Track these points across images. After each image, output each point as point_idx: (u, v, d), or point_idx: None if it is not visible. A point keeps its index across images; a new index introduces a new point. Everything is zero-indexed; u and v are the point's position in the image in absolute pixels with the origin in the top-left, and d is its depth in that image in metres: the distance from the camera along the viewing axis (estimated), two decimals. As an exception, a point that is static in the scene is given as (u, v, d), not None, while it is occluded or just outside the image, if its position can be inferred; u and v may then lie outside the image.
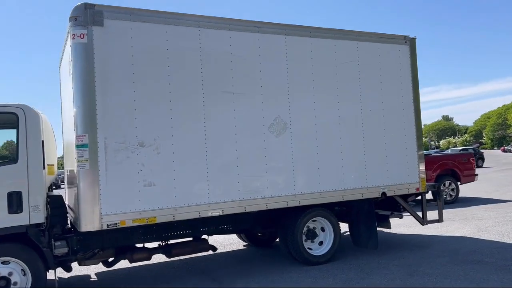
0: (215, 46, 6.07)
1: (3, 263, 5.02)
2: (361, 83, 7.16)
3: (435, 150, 43.15)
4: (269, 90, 6.40)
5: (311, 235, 6.94)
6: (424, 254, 7.13)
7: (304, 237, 6.86)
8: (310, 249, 6.90)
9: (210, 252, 6.87)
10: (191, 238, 6.61)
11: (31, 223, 5.13)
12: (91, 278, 6.89)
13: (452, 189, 13.84)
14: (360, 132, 7.09)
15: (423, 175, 7.61)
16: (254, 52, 6.33)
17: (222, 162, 6.02)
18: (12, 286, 5.04)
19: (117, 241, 5.91)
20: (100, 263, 6.25)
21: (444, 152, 19.30)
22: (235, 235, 8.73)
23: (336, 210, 7.44)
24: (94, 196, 5.25)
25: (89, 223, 5.24)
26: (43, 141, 5.29)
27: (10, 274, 5.03)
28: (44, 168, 5.27)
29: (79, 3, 5.33)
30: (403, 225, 9.54)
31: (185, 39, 5.87)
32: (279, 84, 6.48)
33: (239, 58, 6.22)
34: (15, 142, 5.16)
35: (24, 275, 5.10)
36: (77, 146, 5.26)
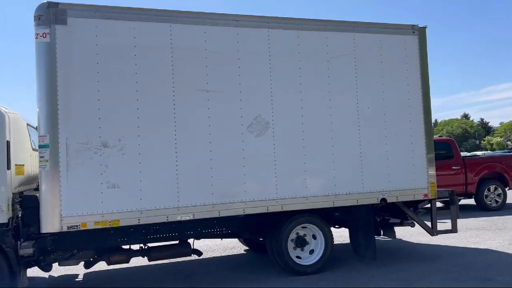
0: (188, 42, 5.78)
1: (-32, 261, 5.09)
2: (358, 79, 6.54)
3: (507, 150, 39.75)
4: (249, 88, 6.01)
5: (301, 242, 6.45)
6: (430, 267, 6.38)
7: (292, 245, 6.39)
8: (300, 257, 6.42)
9: (210, 255, 6.63)
10: (176, 242, 6.39)
11: (-6, 221, 5.15)
12: (77, 278, 6.89)
13: (498, 195, 12.53)
14: (356, 132, 6.48)
15: (433, 180, 6.82)
16: (232, 48, 5.96)
17: (194, 164, 5.72)
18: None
19: (96, 242, 5.80)
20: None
21: (492, 154, 17.59)
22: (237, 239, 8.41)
23: (336, 216, 6.90)
24: (55, 197, 5.17)
25: (49, 224, 5.17)
26: (8, 141, 5.29)
27: (-27, 272, 5.09)
28: (8, 168, 5.27)
29: (42, 2, 5.27)
30: (423, 233, 8.69)
31: (154, 36, 5.64)
32: (260, 81, 6.07)
33: (215, 54, 5.88)
34: (-21, 142, 5.21)
35: (-8, 270, 5.13)
36: (39, 147, 5.21)
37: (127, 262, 6.25)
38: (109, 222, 5.36)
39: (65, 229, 5.20)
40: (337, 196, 6.33)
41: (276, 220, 6.32)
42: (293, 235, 6.41)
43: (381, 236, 7.36)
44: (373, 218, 6.70)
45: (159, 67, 5.64)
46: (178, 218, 5.64)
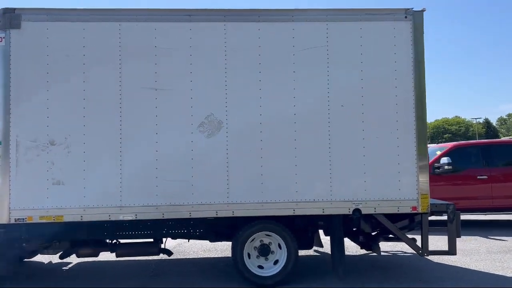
0: (137, 40, 5.70)
1: None
2: (330, 74, 5.82)
3: None
4: (201, 85, 5.72)
5: (265, 251, 5.98)
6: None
7: (255, 253, 5.98)
8: (262, 267, 5.97)
9: (209, 255, 6.58)
10: (151, 240, 6.41)
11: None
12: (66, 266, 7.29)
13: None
14: (325, 132, 5.78)
15: (425, 191, 5.79)
16: (184, 44, 5.73)
17: (139, 164, 5.64)
18: None
19: (66, 235, 6.07)
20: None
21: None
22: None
23: (321, 225, 6.33)
24: (5, 191, 5.53)
25: (3, 215, 5.54)
26: (-22, 138, 5.79)
27: None
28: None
29: (2, 8, 5.64)
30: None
31: (103, 35, 5.68)
32: (214, 78, 5.74)
33: (165, 51, 5.72)
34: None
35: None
36: (-4, 143, 5.62)
37: (96, 256, 6.44)
38: (53, 217, 5.56)
39: (12, 221, 5.53)
40: (298, 204, 5.73)
41: (237, 225, 5.97)
42: (256, 243, 5.99)
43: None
44: (342, 231, 5.92)
45: (106, 66, 5.66)
46: (121, 218, 5.63)
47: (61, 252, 6.38)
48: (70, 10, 5.72)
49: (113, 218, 5.62)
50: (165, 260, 7.47)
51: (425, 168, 5.82)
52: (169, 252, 6.57)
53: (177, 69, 5.72)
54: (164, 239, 6.51)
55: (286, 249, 5.89)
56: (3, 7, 5.61)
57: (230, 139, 5.71)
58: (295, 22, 5.84)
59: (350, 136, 5.81)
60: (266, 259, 6.00)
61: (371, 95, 5.84)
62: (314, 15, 5.88)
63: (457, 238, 5.91)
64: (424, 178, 5.80)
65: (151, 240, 6.35)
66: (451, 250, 5.88)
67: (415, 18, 5.91)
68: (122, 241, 6.37)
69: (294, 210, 5.74)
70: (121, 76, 5.67)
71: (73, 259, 7.35)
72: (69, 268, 7.21)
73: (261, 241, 6.00)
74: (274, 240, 5.99)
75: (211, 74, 5.74)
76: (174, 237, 6.47)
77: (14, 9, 5.64)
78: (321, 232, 6.79)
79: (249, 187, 5.71)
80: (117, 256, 6.42)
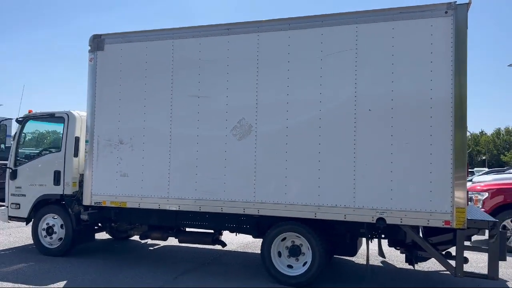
0: (186, 54, 6.54)
1: (53, 218, 7.53)
2: (357, 77, 5.69)
3: None
4: (235, 92, 6.25)
5: (294, 252, 6.16)
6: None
7: (286, 253, 6.21)
8: (291, 267, 6.17)
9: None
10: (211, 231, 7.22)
11: (64, 193, 7.40)
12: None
13: None
14: (351, 137, 5.67)
15: (462, 204, 5.18)
16: (222, 55, 6.34)
17: (183, 161, 6.48)
18: (54, 232, 7.46)
19: (143, 219, 7.34)
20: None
21: None
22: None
23: (362, 232, 6.21)
24: (89, 180, 7.01)
25: (86, 198, 7.04)
26: (77, 137, 7.45)
27: (53, 225, 7.48)
28: (76, 156, 7.43)
29: (92, 34, 7.14)
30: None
31: (160, 51, 6.68)
32: (247, 85, 6.19)
33: (207, 63, 6.42)
34: (61, 137, 7.56)
35: (62, 227, 7.43)
36: (85, 142, 7.14)
37: (165, 239, 7.52)
38: (119, 203, 6.81)
39: (93, 203, 6.97)
40: (320, 208, 5.77)
41: (272, 224, 6.29)
42: (288, 243, 6.22)
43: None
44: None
45: (162, 78, 6.65)
46: (167, 207, 6.55)
47: (141, 234, 7.68)
48: (134, 32, 6.89)
49: (161, 208, 6.57)
50: (235, 251, 8.18)
51: (462, 179, 5.21)
52: (223, 243, 7.23)
53: (216, 78, 6.36)
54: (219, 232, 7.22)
55: (311, 252, 5.97)
56: (93, 34, 7.10)
57: (259, 142, 6.09)
58: (324, 27, 5.89)
59: (377, 142, 5.58)
60: (297, 259, 6.17)
61: (401, 98, 5.51)
62: (343, 18, 5.83)
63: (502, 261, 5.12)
64: (461, 191, 5.20)
65: (211, 231, 7.12)
66: (492, 274, 5.11)
67: (458, 12, 5.33)
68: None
69: (315, 214, 5.80)
70: (172, 86, 6.59)
71: (161, 242, 8.65)
72: (154, 248, 8.52)
73: (292, 241, 6.20)
74: (304, 242, 6.12)
75: (244, 82, 6.21)
76: (225, 230, 7.10)
77: (100, 35, 7.09)
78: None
79: (274, 188, 6.00)
80: (179, 242, 7.39)
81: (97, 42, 7.07)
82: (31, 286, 5.67)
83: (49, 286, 5.70)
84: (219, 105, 6.32)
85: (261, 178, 6.07)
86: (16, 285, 5.72)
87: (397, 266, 7.25)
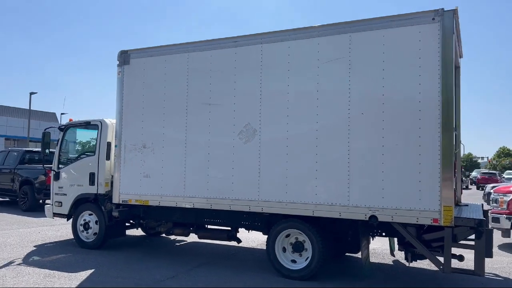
0: (199, 65, 7.17)
1: (89, 214, 8.43)
2: (351, 83, 6.04)
3: None
4: (241, 99, 6.79)
5: (297, 248, 6.58)
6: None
7: (290, 248, 6.65)
8: (295, 261, 6.60)
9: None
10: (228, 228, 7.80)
11: (98, 192, 8.28)
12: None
13: None
14: (345, 139, 6.02)
15: (449, 203, 5.38)
16: (230, 65, 6.91)
17: (197, 163, 7.10)
18: (90, 227, 8.36)
19: (168, 216, 8.07)
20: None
21: None
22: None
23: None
24: (117, 181, 7.82)
25: (115, 197, 7.85)
26: (109, 142, 8.31)
27: (89, 221, 8.38)
28: (108, 159, 8.28)
29: (119, 50, 7.97)
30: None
31: (177, 63, 7.36)
32: (251, 92, 6.71)
33: (217, 73, 7.01)
34: (96, 142, 8.47)
35: (97, 223, 8.31)
36: (115, 146, 7.97)
37: (187, 235, 8.20)
38: (143, 201, 7.56)
39: (120, 201, 7.77)
40: (317, 206, 6.15)
41: (276, 221, 6.76)
42: (292, 239, 6.66)
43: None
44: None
45: (179, 87, 7.32)
46: (183, 205, 7.19)
47: (166, 230, 8.41)
48: (155, 47, 7.63)
49: (178, 205, 7.23)
50: (253, 249, 8.68)
51: (450, 179, 5.41)
52: (238, 240, 7.76)
53: (224, 87, 6.93)
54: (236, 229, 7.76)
55: (311, 248, 6.37)
56: (120, 50, 7.92)
57: (263, 145, 6.59)
58: (320, 37, 6.30)
59: (369, 144, 5.89)
60: (300, 255, 6.59)
61: (392, 102, 5.80)
62: (337, 28, 6.20)
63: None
64: (448, 190, 5.40)
65: (229, 228, 7.69)
66: (478, 271, 5.26)
67: (445, 19, 5.56)
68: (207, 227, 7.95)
69: (313, 211, 6.20)
70: (188, 95, 7.25)
71: (187, 239, 9.35)
72: (181, 244, 9.22)
73: (296, 238, 6.63)
74: (306, 238, 6.53)
75: (249, 90, 6.73)
76: (240, 227, 7.61)
77: (127, 51, 7.90)
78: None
79: (276, 187, 6.46)
80: (199, 238, 8.02)
81: (124, 57, 7.88)
82: (63, 273, 6.49)
83: (78, 273, 6.50)
84: (227, 112, 6.88)
85: (264, 178, 6.55)
86: (51, 271, 6.58)
87: (407, 265, 7.44)
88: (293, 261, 6.61)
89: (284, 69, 6.50)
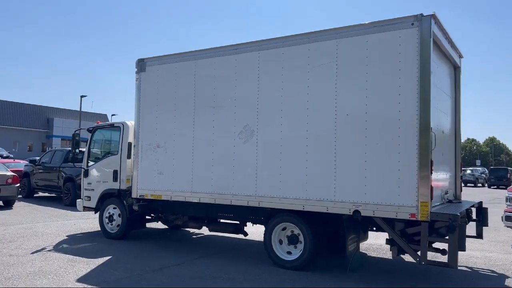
0: (204, 71, 7.81)
1: (113, 208, 9.30)
2: (337, 86, 6.44)
3: None
4: (241, 102, 7.35)
5: (292, 240, 7.05)
6: None
7: (286, 240, 7.13)
8: (290, 253, 7.07)
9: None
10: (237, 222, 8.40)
11: (120, 188, 9.12)
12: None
13: None
14: (331, 140, 6.43)
15: (426, 199, 5.68)
16: (231, 71, 7.48)
17: (202, 162, 7.74)
18: (114, 220, 9.21)
19: (184, 211, 8.79)
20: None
21: None
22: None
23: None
24: (135, 177, 8.61)
25: (133, 192, 8.66)
26: (130, 143, 9.13)
27: (113, 214, 9.24)
28: (129, 158, 9.10)
29: (137, 59, 8.75)
30: None
31: (186, 70, 8.03)
32: (250, 96, 7.24)
33: (220, 78, 7.61)
34: (118, 143, 9.32)
35: (119, 216, 9.16)
36: (134, 146, 8.77)
37: (199, 228, 8.90)
38: (157, 196, 8.29)
39: (138, 196, 8.56)
40: (307, 201, 6.60)
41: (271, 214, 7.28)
42: (288, 232, 7.14)
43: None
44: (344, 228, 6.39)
45: (187, 92, 7.99)
46: (191, 200, 7.85)
47: (182, 223, 9.14)
48: (167, 55, 8.34)
49: (187, 200, 7.90)
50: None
51: (426, 177, 5.71)
52: (245, 233, 8.34)
53: (227, 91, 7.51)
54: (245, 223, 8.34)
55: (303, 240, 6.82)
56: (138, 58, 8.71)
57: (260, 145, 7.11)
58: (310, 43, 6.73)
59: (353, 143, 6.27)
60: (295, 247, 7.05)
61: (374, 104, 6.15)
62: (325, 34, 6.61)
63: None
64: (425, 187, 5.70)
65: (237, 222, 8.28)
66: (451, 263, 5.52)
67: (423, 24, 5.85)
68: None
69: (303, 206, 6.65)
70: (195, 98, 7.90)
71: (204, 232, 10.03)
72: (197, 237, 9.92)
73: (291, 231, 7.10)
74: (300, 231, 6.98)
75: (248, 93, 7.27)
76: (247, 221, 8.17)
77: (143, 59, 8.67)
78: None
79: (271, 184, 6.96)
80: (209, 231, 8.69)
81: (141, 65, 8.66)
82: (83, 259, 7.33)
83: (96, 259, 7.30)
84: (229, 114, 7.47)
85: (261, 175, 7.08)
86: (74, 257, 7.43)
87: (406, 260, 7.70)
88: (289, 253, 7.08)
89: (278, 74, 6.99)
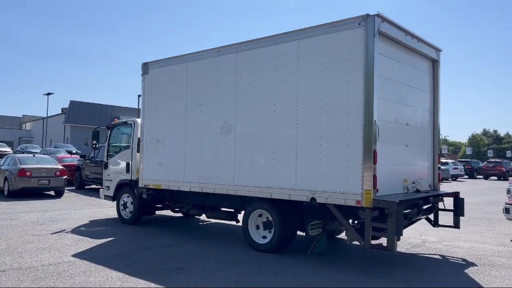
0: (194, 73, 8.64)
1: (127, 196, 10.43)
2: (298, 84, 6.99)
3: None
4: (222, 100, 8.10)
5: (267, 226, 7.69)
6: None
7: (262, 226, 7.79)
8: (265, 237, 7.73)
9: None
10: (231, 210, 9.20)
11: (131, 179, 10.23)
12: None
13: None
14: (293, 133, 7.00)
15: (369, 187, 6.11)
16: (214, 72, 8.25)
17: (192, 154, 8.60)
18: (127, 207, 10.34)
19: (187, 199, 9.75)
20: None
21: None
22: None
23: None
24: (141, 169, 9.67)
25: (140, 182, 9.72)
26: (139, 138, 10.19)
27: (127, 202, 10.37)
28: (138, 151, 10.16)
29: (142, 63, 9.77)
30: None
31: (179, 72, 8.92)
32: (229, 94, 7.98)
33: (206, 79, 8.40)
34: (130, 138, 10.43)
35: (132, 204, 10.28)
36: (139, 140, 9.83)
37: (200, 215, 9.78)
38: (157, 185, 9.27)
39: (143, 186, 9.59)
40: (273, 190, 7.23)
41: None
42: (263, 218, 7.80)
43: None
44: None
45: (180, 91, 8.87)
46: (183, 189, 8.73)
47: (186, 210, 10.08)
48: (166, 59, 9.26)
49: (180, 189, 8.80)
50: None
51: (369, 168, 6.13)
52: (237, 220, 9.08)
53: (211, 90, 8.30)
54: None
55: (274, 225, 7.44)
56: (143, 62, 9.73)
57: (237, 139, 7.83)
58: (277, 45, 7.32)
59: (311, 136, 6.81)
60: (270, 231, 7.69)
61: (328, 99, 6.65)
62: (289, 36, 7.17)
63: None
64: (369, 176, 6.13)
65: (232, 210, 9.07)
66: (389, 247, 5.91)
67: (368, 23, 6.26)
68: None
69: (271, 194, 7.28)
70: (186, 97, 8.77)
71: (211, 220, 10.90)
72: (203, 223, 10.82)
73: (267, 217, 7.74)
74: (271, 217, 7.61)
75: (228, 91, 8.00)
76: (239, 209, 8.91)
77: (147, 62, 9.68)
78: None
79: (246, 174, 7.66)
80: (207, 217, 9.55)
81: (145, 68, 9.68)
82: (90, 239, 8.46)
83: (100, 240, 8.41)
84: (213, 111, 8.26)
85: (238, 166, 7.80)
86: (83, 238, 8.60)
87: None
88: (264, 237, 7.74)
89: (251, 73, 7.66)
